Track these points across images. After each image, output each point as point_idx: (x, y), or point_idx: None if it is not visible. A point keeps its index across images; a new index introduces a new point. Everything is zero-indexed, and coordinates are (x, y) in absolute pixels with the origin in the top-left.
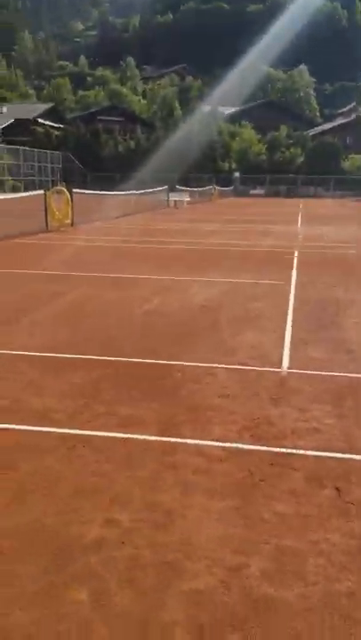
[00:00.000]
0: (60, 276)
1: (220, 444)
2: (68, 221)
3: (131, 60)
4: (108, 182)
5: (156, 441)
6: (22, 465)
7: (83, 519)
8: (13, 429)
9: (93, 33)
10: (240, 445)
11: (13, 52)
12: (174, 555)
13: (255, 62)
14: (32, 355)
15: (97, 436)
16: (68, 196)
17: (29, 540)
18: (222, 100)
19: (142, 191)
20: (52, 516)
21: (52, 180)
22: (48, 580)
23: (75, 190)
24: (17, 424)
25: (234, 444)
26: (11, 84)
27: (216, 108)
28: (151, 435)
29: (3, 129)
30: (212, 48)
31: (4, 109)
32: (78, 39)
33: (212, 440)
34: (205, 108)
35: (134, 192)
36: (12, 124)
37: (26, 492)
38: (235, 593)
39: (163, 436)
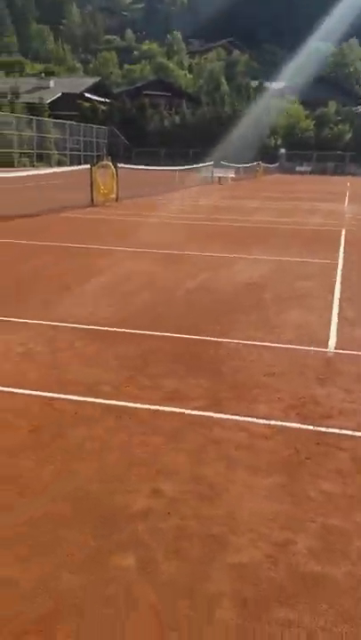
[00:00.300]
0: (106, 251)
1: (266, 421)
2: (113, 196)
3: (177, 34)
4: (153, 157)
5: (200, 416)
6: (70, 434)
7: (129, 488)
8: (62, 399)
9: (141, 6)
10: (286, 423)
11: (61, 26)
12: (220, 528)
13: (304, 36)
14: (80, 327)
15: (143, 408)
16: (114, 170)
17: (77, 507)
18: (269, 74)
19: (186, 167)
20: (99, 485)
21: (97, 155)
22: (96, 546)
23: (120, 165)
24: (65, 394)
25: (279, 422)
26: (58, 58)
27: (263, 83)
28: (196, 410)
29: (50, 103)
30: (259, 22)
31: (52, 83)
32: (125, 12)
33: (258, 417)
34: (252, 82)
35: (178, 168)
36: (59, 97)
37: (74, 461)
38: (281, 568)
39: (208, 411)
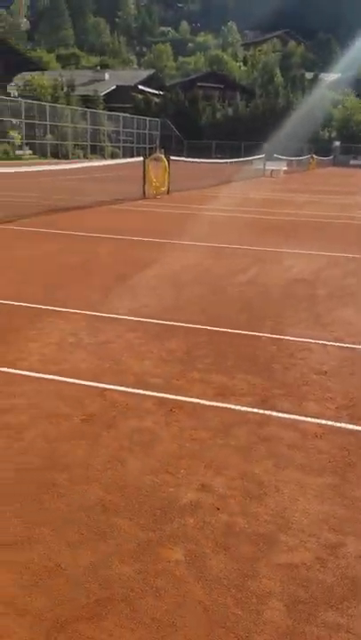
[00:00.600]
0: (157, 244)
1: (316, 420)
2: (165, 189)
3: (233, 25)
4: (205, 149)
5: (250, 412)
6: (122, 425)
7: (179, 482)
8: (113, 390)
9: None
10: (337, 424)
11: (117, 19)
12: (268, 526)
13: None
14: (130, 319)
15: (193, 402)
16: (166, 163)
17: (127, 496)
18: (325, 66)
19: (238, 159)
20: (149, 476)
21: (150, 147)
22: (146, 536)
23: (172, 157)
24: (116, 385)
25: (330, 422)
26: (113, 51)
27: (318, 75)
28: (245, 406)
29: (104, 95)
30: (315, 13)
31: (107, 76)
32: (181, 4)
33: (308, 416)
34: (307, 74)
35: (230, 160)
36: (113, 90)
37: (125, 451)
38: (331, 571)
39: (257, 407)
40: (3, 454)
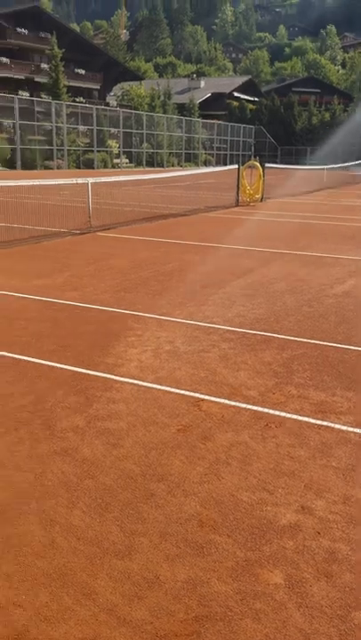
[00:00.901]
0: (251, 252)
1: None
2: (259, 196)
3: (332, 28)
4: (300, 156)
5: (352, 432)
6: (217, 437)
7: (277, 501)
8: (208, 400)
9: (295, 1)
10: None
11: (214, 26)
12: None
13: None
14: (225, 328)
15: (290, 418)
16: (261, 170)
17: (225, 512)
18: None
19: (335, 166)
20: (246, 493)
21: (243, 154)
22: (243, 555)
23: (266, 165)
24: (211, 396)
25: None
26: (210, 58)
27: None
28: (346, 425)
29: (200, 103)
30: None
31: (202, 84)
32: (278, 9)
33: None
34: None
35: (326, 167)
36: (208, 97)
37: (221, 465)
38: None
39: (359, 427)
40: (103, 460)
